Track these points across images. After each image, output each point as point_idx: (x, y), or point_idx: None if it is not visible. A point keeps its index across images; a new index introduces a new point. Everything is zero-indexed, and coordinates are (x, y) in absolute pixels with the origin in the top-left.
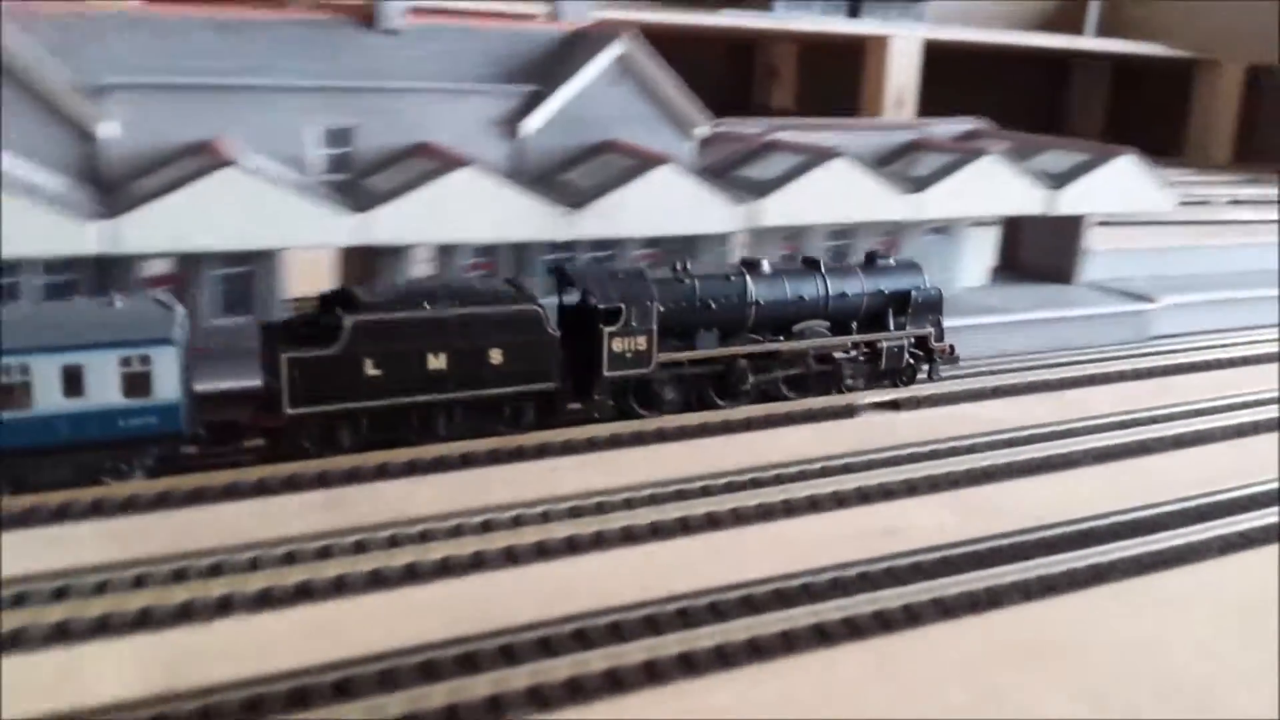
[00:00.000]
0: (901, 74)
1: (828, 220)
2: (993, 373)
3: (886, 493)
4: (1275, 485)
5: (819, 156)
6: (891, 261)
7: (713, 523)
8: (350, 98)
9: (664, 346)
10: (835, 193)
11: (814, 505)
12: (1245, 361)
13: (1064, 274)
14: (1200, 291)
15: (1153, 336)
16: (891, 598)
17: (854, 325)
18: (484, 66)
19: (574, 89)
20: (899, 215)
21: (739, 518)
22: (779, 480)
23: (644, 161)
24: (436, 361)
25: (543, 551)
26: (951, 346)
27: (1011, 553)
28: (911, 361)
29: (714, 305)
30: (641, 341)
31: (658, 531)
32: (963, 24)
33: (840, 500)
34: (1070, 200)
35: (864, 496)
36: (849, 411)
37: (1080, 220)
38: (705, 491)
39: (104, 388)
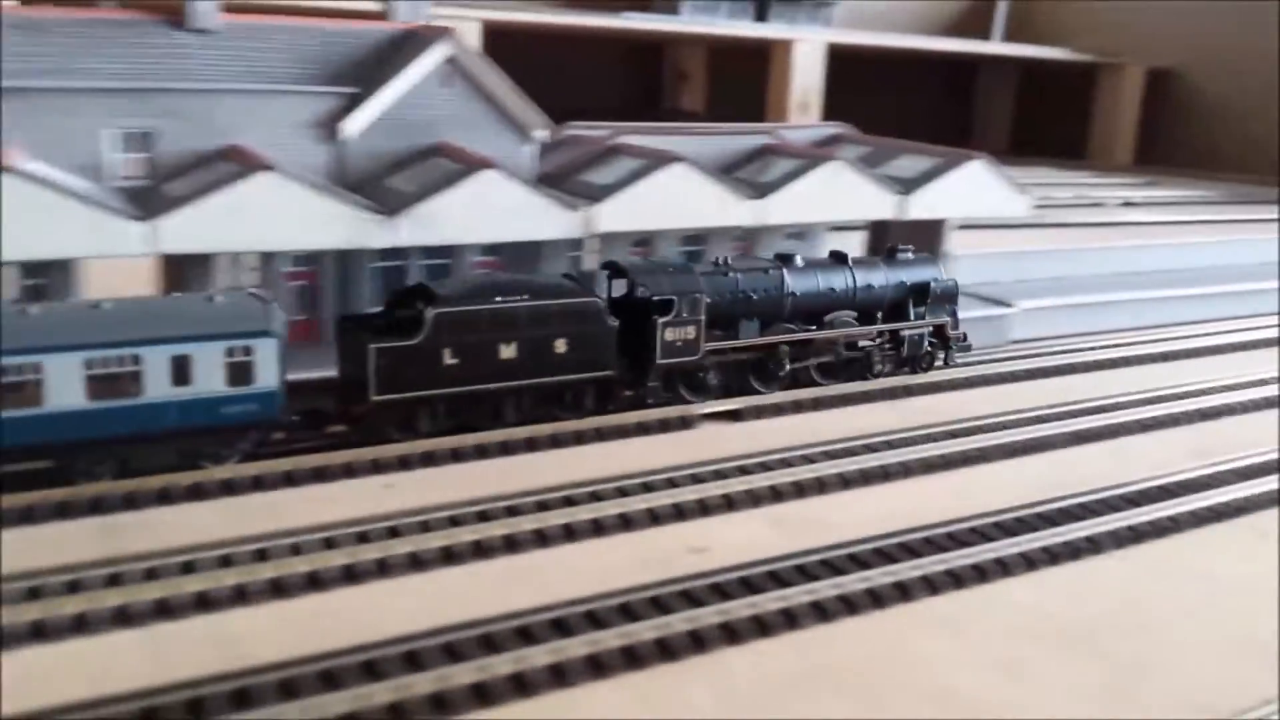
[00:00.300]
0: (806, 77)
1: (665, 226)
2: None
3: (704, 508)
4: (1107, 494)
5: (658, 161)
6: (910, 255)
7: (510, 546)
8: (153, 99)
9: (709, 336)
10: (674, 198)
11: (626, 523)
12: (1089, 367)
13: None
14: (1061, 295)
15: (1011, 341)
16: (680, 622)
17: (879, 315)
18: (303, 67)
19: (397, 91)
20: (741, 220)
21: (543, 539)
22: (595, 498)
23: (468, 166)
24: (508, 351)
25: None
26: (964, 334)
27: (819, 570)
28: (930, 349)
29: (754, 296)
30: (691, 331)
31: (451, 557)
32: (871, 28)
33: (655, 517)
34: (920, 205)
35: (680, 513)
36: (684, 423)
37: (941, 224)
38: (511, 512)
39: (209, 377)
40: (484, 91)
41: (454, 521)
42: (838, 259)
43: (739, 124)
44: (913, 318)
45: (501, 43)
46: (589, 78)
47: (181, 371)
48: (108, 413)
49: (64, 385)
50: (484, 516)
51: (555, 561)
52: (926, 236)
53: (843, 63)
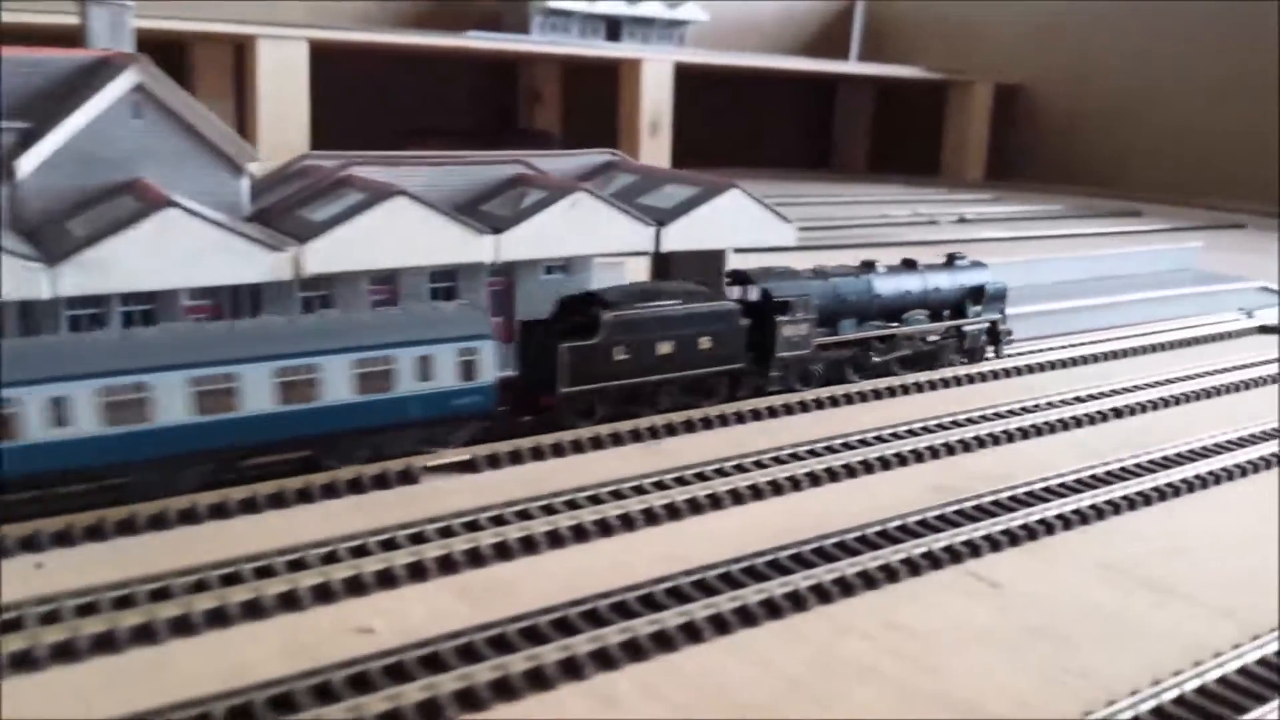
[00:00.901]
0: (656, 96)
1: (379, 265)
2: (597, 422)
3: (388, 579)
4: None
5: (377, 195)
6: (966, 262)
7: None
8: None
9: (815, 334)
10: (395, 234)
11: (290, 603)
12: (852, 400)
13: None
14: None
15: None
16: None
17: (945, 314)
18: None
19: (78, 124)
20: (479, 256)
21: (185, 627)
22: (262, 574)
23: (148, 205)
24: (665, 347)
25: None
26: (1010, 330)
27: (496, 644)
28: (984, 342)
29: (850, 298)
30: (804, 329)
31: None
32: (729, 48)
33: (325, 594)
34: (677, 236)
35: (355, 587)
36: (408, 478)
37: (720, 252)
38: (157, 596)
39: (445, 374)
40: (183, 123)
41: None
42: (909, 265)
43: (490, 153)
44: (970, 316)
45: (347, 65)
46: (443, 99)
47: (424, 369)
48: (368, 405)
49: (337, 382)
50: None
51: (192, 651)
52: (709, 265)
53: (702, 82)
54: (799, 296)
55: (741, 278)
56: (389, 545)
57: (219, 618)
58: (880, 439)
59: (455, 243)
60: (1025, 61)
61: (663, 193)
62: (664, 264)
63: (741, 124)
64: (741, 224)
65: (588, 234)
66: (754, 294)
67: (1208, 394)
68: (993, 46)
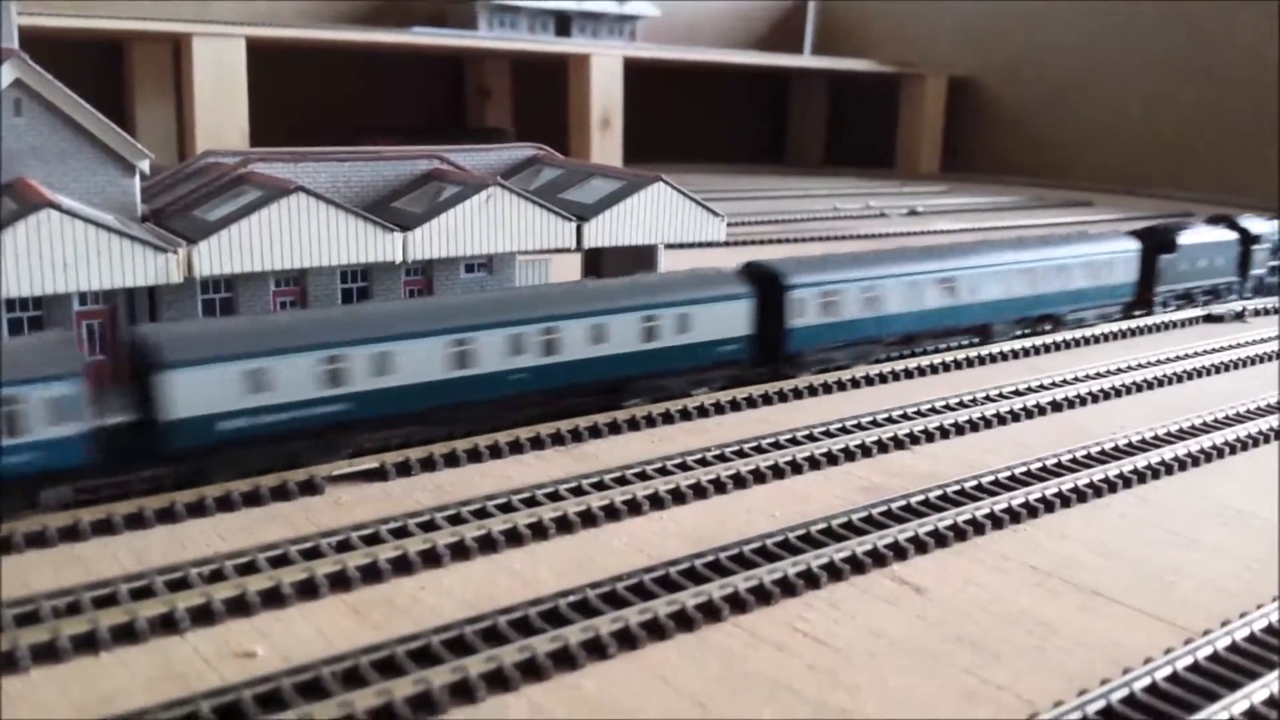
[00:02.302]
0: (606, 91)
1: (277, 266)
2: (506, 427)
3: (275, 598)
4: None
5: (274, 193)
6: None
7: None
8: None
9: None
10: (293, 232)
11: (168, 626)
12: (786, 397)
13: None
14: None
15: None
16: None
17: None
18: None
19: None
20: (386, 255)
21: (50, 653)
22: (139, 595)
23: (24, 206)
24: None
25: None
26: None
27: (383, 667)
28: None
29: None
30: None
31: None
32: (683, 42)
33: (206, 616)
34: (600, 231)
35: (240, 608)
36: (311, 488)
37: (652, 248)
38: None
39: (708, 327)
40: (68, 120)
41: None
42: None
43: (404, 148)
44: None
45: (292, 63)
46: (391, 97)
47: (686, 324)
48: (652, 353)
49: (628, 334)
50: None
51: (53, 681)
52: (641, 260)
53: (655, 77)
54: None
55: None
56: (280, 561)
57: (88, 643)
58: (811, 437)
59: (361, 241)
60: (977, 54)
61: (587, 187)
62: (595, 260)
63: (695, 119)
64: (668, 219)
65: (503, 230)
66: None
67: (1149, 385)
68: (944, 40)
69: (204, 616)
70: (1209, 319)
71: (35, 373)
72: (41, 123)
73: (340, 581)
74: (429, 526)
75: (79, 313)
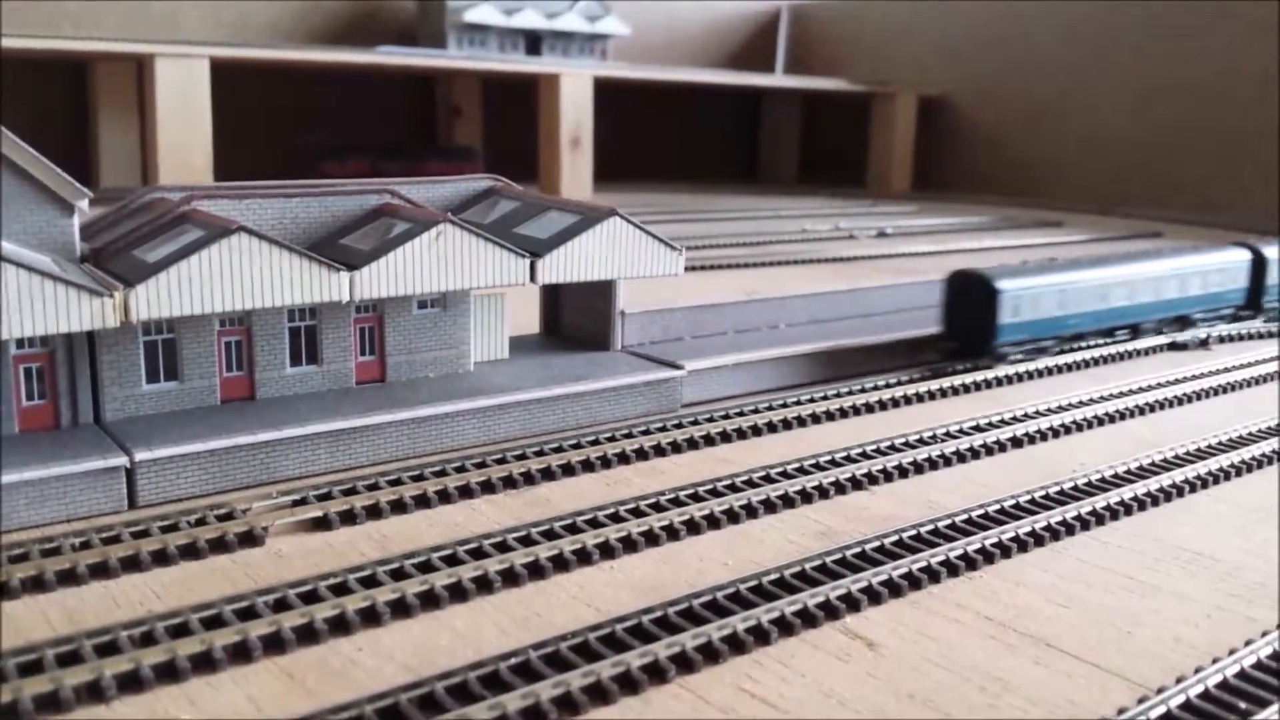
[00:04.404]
0: (576, 111)
1: (219, 308)
2: (456, 470)
3: (207, 662)
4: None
5: (215, 233)
6: None
7: None
8: None
9: None
10: (235, 273)
11: (94, 694)
12: (745, 435)
13: (600, 339)
14: (741, 352)
15: (684, 405)
16: None
17: None
18: None
19: None
20: (334, 294)
21: None
22: (66, 662)
23: None
24: None
25: None
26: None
27: None
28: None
29: None
30: None
31: None
32: (655, 61)
33: (134, 682)
34: (554, 268)
35: (169, 673)
36: (251, 539)
37: (611, 283)
38: None
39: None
40: (5, 160)
41: None
42: None
43: (353, 181)
44: None
45: (257, 82)
46: (360, 115)
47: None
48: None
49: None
50: None
51: None
52: (600, 294)
53: (626, 96)
54: None
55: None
56: (213, 623)
57: (9, 715)
58: (769, 478)
59: (306, 281)
60: (947, 72)
61: (542, 221)
62: (553, 295)
63: (667, 137)
64: (624, 253)
65: (455, 268)
66: None
67: (1110, 418)
68: (915, 58)
69: (133, 684)
70: (1173, 346)
71: None
72: None
73: (275, 644)
74: (370, 582)
75: (16, 356)
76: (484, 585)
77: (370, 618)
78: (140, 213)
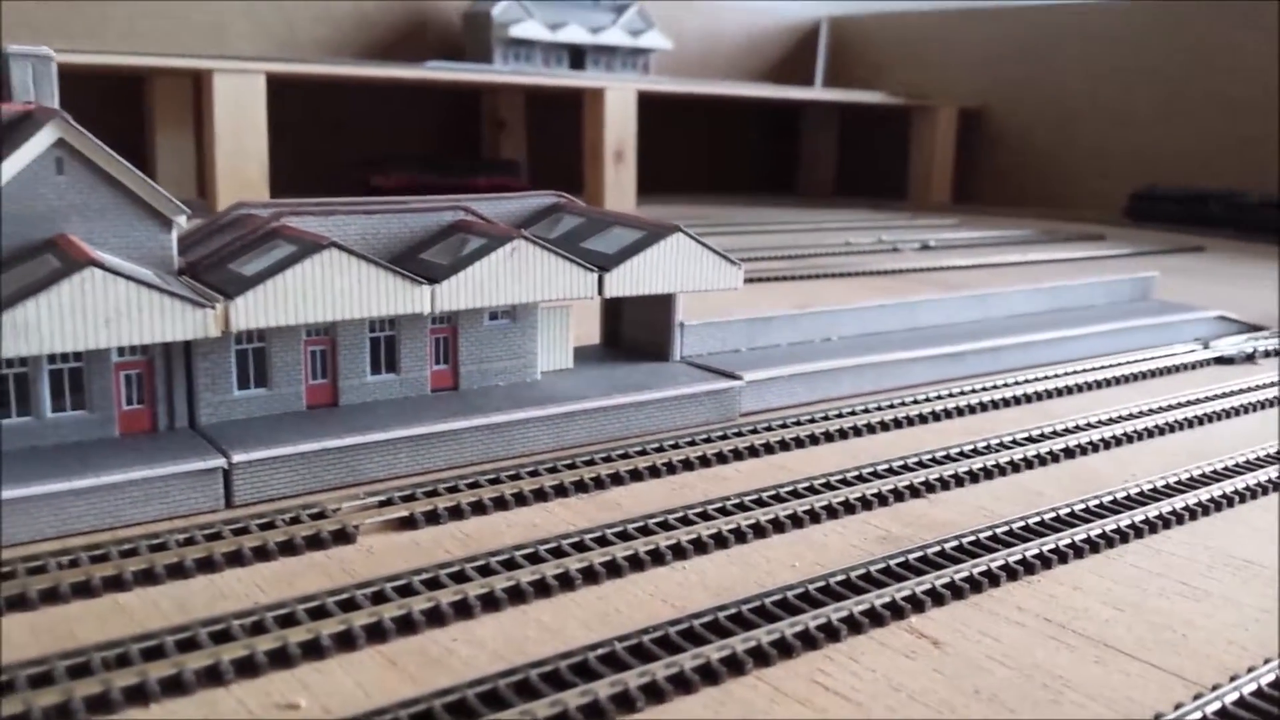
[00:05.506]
0: (620, 124)
1: (310, 319)
2: (529, 474)
3: (315, 650)
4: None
5: (307, 249)
6: None
7: None
8: None
9: None
10: (325, 286)
11: (213, 677)
12: (803, 443)
13: (660, 350)
14: (797, 364)
15: (741, 415)
16: None
17: None
18: None
19: None
20: (416, 307)
21: (94, 707)
22: (185, 648)
23: (70, 264)
24: None
25: None
26: None
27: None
28: None
29: None
30: None
31: None
32: (693, 74)
33: (250, 667)
34: (621, 282)
35: (281, 659)
36: (344, 537)
37: (671, 296)
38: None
39: None
40: (107, 178)
41: None
42: None
43: (429, 199)
44: None
45: (305, 95)
46: (406, 128)
47: None
48: None
49: None
50: None
51: None
52: (660, 306)
53: (667, 109)
54: None
55: None
56: (318, 613)
57: (138, 695)
58: (829, 485)
59: (391, 294)
60: (986, 84)
61: (607, 236)
62: (614, 308)
63: (707, 150)
64: (686, 268)
65: (528, 281)
66: None
67: (1160, 431)
68: (955, 70)
69: (248, 669)
70: (1220, 361)
71: None
72: (82, 180)
73: (376, 633)
74: (459, 577)
75: (118, 363)
76: (566, 582)
77: (462, 610)
78: (229, 228)
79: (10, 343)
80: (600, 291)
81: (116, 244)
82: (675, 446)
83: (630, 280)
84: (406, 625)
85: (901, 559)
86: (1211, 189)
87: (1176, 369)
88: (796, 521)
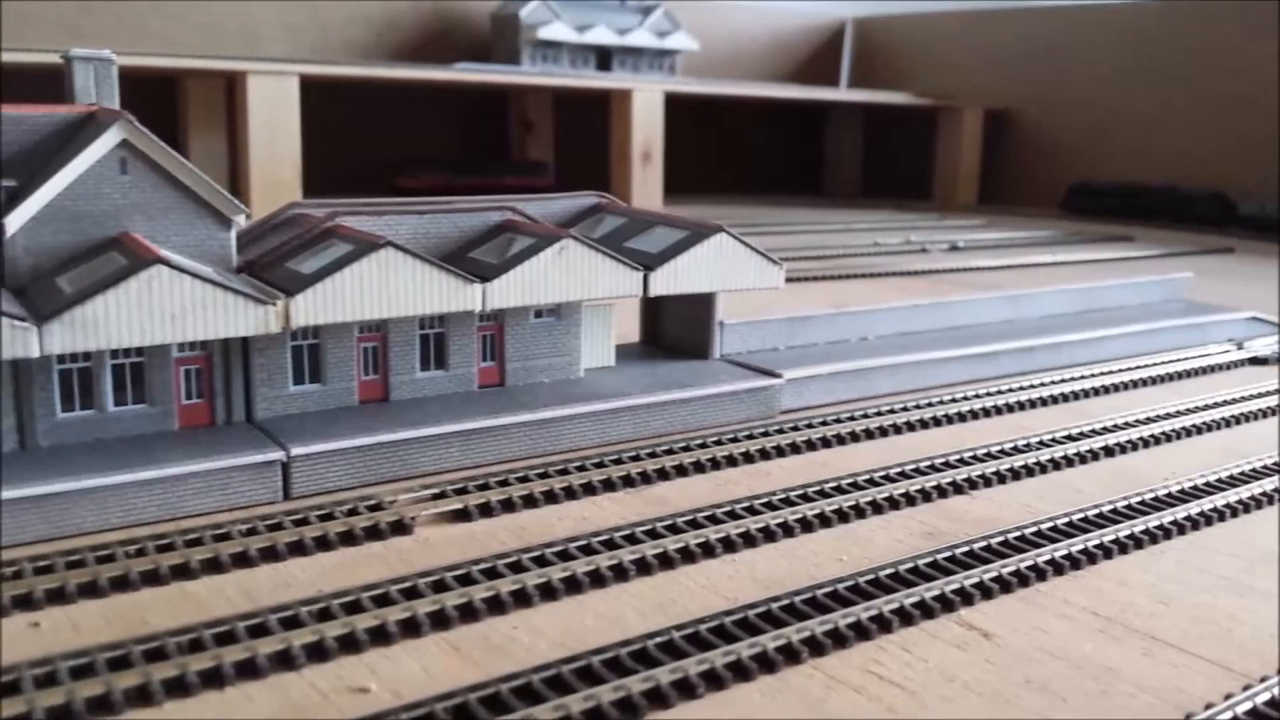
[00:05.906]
0: (647, 125)
1: (366, 316)
2: (577, 469)
3: (382, 636)
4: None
5: (363, 248)
6: None
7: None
8: None
9: None
10: (381, 285)
11: (285, 661)
12: (844, 440)
13: (700, 348)
14: (835, 362)
15: (781, 412)
16: None
17: None
18: None
19: (65, 181)
20: (467, 305)
21: (172, 690)
22: (256, 633)
23: (136, 262)
24: None
25: None
26: None
27: (491, 704)
28: None
29: None
30: None
31: None
32: (719, 75)
33: (320, 652)
34: (665, 281)
35: (350, 645)
36: (401, 528)
37: (712, 295)
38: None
39: None
40: (169, 177)
41: None
42: None
43: (476, 198)
44: None
45: (335, 96)
46: (435, 129)
47: None
48: None
49: None
50: None
51: (185, 712)
52: (700, 305)
53: (693, 110)
54: None
55: None
56: (382, 601)
57: (214, 678)
58: (872, 481)
59: (444, 292)
60: (1011, 85)
61: (650, 236)
62: (654, 306)
63: (734, 150)
64: (728, 267)
65: (576, 280)
66: None
67: (1197, 430)
68: (980, 70)
69: (318, 653)
70: (1254, 361)
71: None
72: (145, 180)
73: (440, 620)
74: (516, 567)
75: (178, 359)
76: (620, 573)
77: (521, 599)
78: (284, 228)
79: (79, 338)
80: (645, 290)
81: (178, 242)
82: (718, 443)
83: (674, 279)
84: (468, 613)
85: (948, 553)
86: (1150, 183)
87: (1211, 369)
88: (841, 517)
